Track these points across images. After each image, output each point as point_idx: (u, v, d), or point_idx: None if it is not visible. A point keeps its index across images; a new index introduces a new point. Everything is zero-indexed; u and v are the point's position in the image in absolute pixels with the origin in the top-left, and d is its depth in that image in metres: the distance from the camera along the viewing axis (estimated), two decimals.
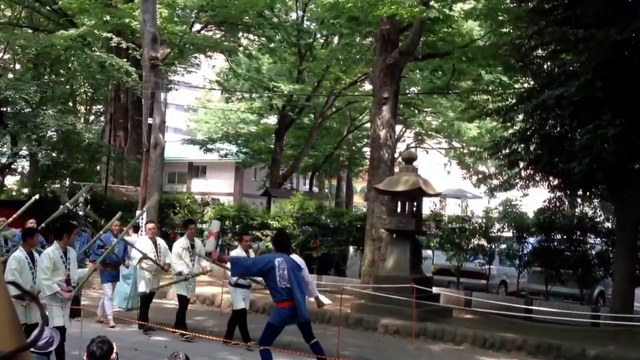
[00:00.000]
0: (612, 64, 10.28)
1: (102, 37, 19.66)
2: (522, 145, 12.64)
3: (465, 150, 31.14)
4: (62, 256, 7.37)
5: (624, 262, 11.84)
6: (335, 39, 24.78)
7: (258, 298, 12.23)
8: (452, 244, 15.17)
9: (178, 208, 18.97)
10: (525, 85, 15.07)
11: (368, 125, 26.35)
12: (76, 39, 18.82)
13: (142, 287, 10.83)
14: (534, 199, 14.90)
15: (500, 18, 15.54)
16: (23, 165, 24.12)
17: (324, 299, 8.35)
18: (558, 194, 13.61)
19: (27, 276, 7.34)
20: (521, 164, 12.97)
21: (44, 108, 18.60)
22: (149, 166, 16.36)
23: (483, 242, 15.27)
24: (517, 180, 13.18)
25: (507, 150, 12.94)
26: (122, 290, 12.12)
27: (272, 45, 24.39)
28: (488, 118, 14.14)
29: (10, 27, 22.25)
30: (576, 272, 13.81)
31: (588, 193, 13.32)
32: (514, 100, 13.08)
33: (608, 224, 14.28)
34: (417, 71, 21.67)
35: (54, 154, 19.45)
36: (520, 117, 12.98)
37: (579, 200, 15.07)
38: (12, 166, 21.95)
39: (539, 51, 12.65)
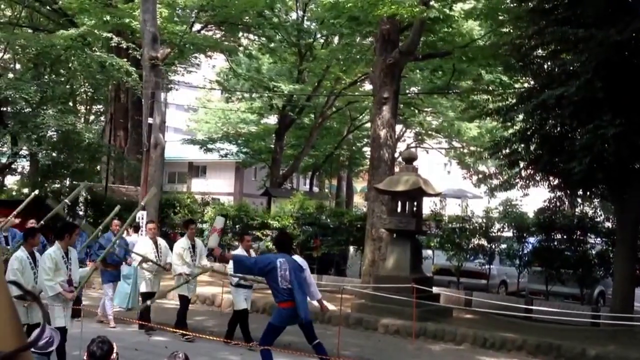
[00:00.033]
0: (612, 64, 10.28)
1: (102, 37, 19.66)
2: (522, 145, 12.64)
3: (466, 150, 31.15)
4: (64, 256, 7.36)
5: (624, 262, 11.84)
6: (336, 39, 24.78)
7: (258, 298, 12.22)
8: (453, 244, 15.18)
9: (178, 208, 18.99)
10: (526, 85, 15.07)
11: (368, 125, 26.35)
12: (76, 38, 18.82)
13: (143, 288, 10.83)
14: (534, 198, 14.90)
15: (500, 18, 15.54)
16: (23, 165, 24.12)
17: (330, 306, 8.32)
18: (558, 193, 13.61)
19: (29, 276, 7.34)
20: (521, 164, 12.97)
21: (44, 108, 18.61)
22: (149, 166, 16.36)
23: (483, 242, 15.27)
24: (517, 180, 13.18)
25: (507, 150, 12.94)
26: (123, 290, 12.11)
27: (272, 45, 24.39)
28: (488, 118, 14.15)
29: (11, 27, 22.25)
30: (576, 272, 13.82)
31: (588, 193, 13.32)
32: (514, 100, 13.08)
33: (608, 224, 14.28)
34: (417, 71, 21.67)
35: (54, 154, 19.46)
36: (521, 117, 12.98)
37: (579, 200, 15.08)
38: (12, 166, 21.95)
39: (539, 51, 12.65)
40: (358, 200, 42.24)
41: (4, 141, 19.11)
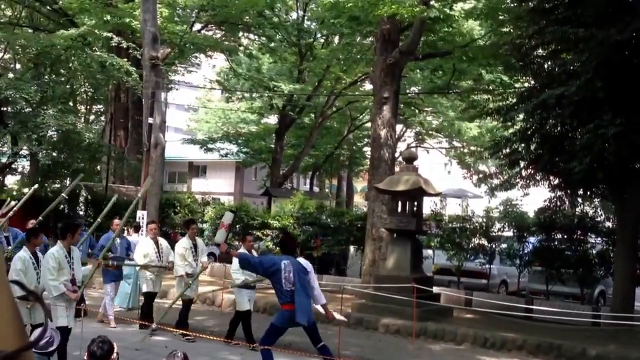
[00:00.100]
0: (612, 64, 10.28)
1: (103, 37, 19.66)
2: (523, 145, 12.64)
3: (466, 150, 31.15)
4: (67, 256, 7.35)
5: (625, 261, 11.84)
6: (336, 39, 24.78)
7: (259, 298, 12.22)
8: (453, 244, 15.18)
9: (178, 208, 18.99)
10: (526, 84, 15.06)
11: (368, 124, 26.34)
12: (76, 38, 18.82)
13: (145, 288, 10.83)
14: (534, 198, 14.90)
15: (500, 17, 15.54)
16: (23, 165, 24.12)
17: (337, 316, 8.25)
18: (559, 193, 13.62)
19: (32, 276, 7.32)
20: (522, 164, 12.97)
21: (45, 108, 18.61)
22: (150, 166, 16.36)
23: (484, 241, 15.27)
24: (517, 180, 13.18)
25: (508, 150, 12.94)
26: (123, 290, 12.12)
27: (272, 44, 24.40)
28: (488, 117, 14.15)
29: (11, 27, 22.26)
30: (577, 272, 13.82)
31: (588, 192, 13.32)
32: (514, 100, 13.08)
33: (609, 224, 14.28)
34: (418, 71, 21.67)
35: (54, 154, 19.46)
36: (521, 116, 12.98)
37: (579, 199, 15.08)
38: (13, 166, 21.95)
39: (540, 51, 12.65)
40: (358, 200, 42.24)
41: (4, 141, 19.11)
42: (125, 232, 13.14)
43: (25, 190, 22.06)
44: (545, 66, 13.04)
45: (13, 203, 10.69)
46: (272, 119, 32.20)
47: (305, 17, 25.46)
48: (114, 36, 19.41)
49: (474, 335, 10.94)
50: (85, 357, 4.38)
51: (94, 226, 9.23)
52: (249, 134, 31.29)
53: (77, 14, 21.00)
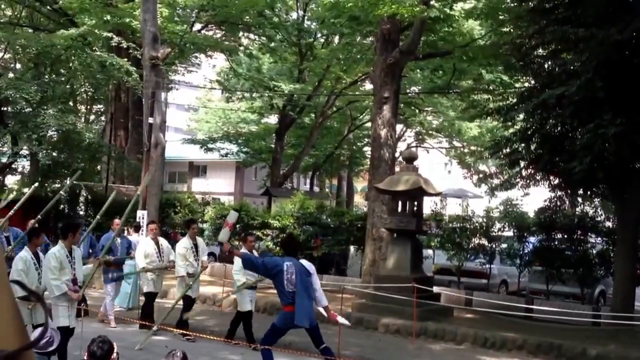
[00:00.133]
0: (612, 64, 10.28)
1: (103, 37, 19.66)
2: (523, 145, 12.64)
3: (466, 150, 31.15)
4: (68, 255, 7.34)
5: (625, 261, 11.84)
6: (336, 39, 24.78)
7: (259, 298, 12.21)
8: (453, 244, 15.18)
9: (179, 207, 18.99)
10: (526, 84, 15.06)
11: (369, 124, 26.33)
12: (77, 38, 18.82)
13: (146, 288, 10.83)
14: (534, 198, 14.90)
15: (500, 17, 15.54)
16: (23, 164, 24.11)
17: (340, 319, 8.21)
18: (559, 193, 13.62)
19: (33, 276, 7.31)
20: (522, 164, 12.98)
21: (45, 107, 18.60)
22: (150, 166, 16.35)
23: (484, 241, 15.28)
24: (517, 180, 13.19)
25: (508, 150, 12.94)
26: (123, 289, 12.12)
27: (272, 44, 24.39)
28: (489, 117, 14.14)
29: (11, 27, 22.26)
30: (577, 272, 13.82)
31: (589, 192, 13.32)
32: (514, 100, 13.08)
33: (609, 223, 14.28)
34: (418, 70, 21.67)
35: (54, 154, 19.45)
36: (521, 116, 12.99)
37: (579, 199, 15.10)
38: (13, 166, 21.95)
39: (540, 50, 12.65)
40: (358, 200, 42.24)
41: (4, 141, 19.11)
42: (126, 232, 13.13)
43: (26, 190, 22.10)
44: (546, 66, 13.04)
45: (11, 197, 10.67)
46: (273, 119, 32.20)
47: (306, 17, 25.46)
48: (114, 36, 19.41)
49: (474, 335, 10.94)
50: (85, 357, 4.38)
51: (94, 224, 9.22)
52: (249, 134, 31.29)
53: (77, 14, 20.99)
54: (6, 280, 1.16)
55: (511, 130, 13.59)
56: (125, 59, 19.39)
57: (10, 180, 28.01)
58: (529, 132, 12.50)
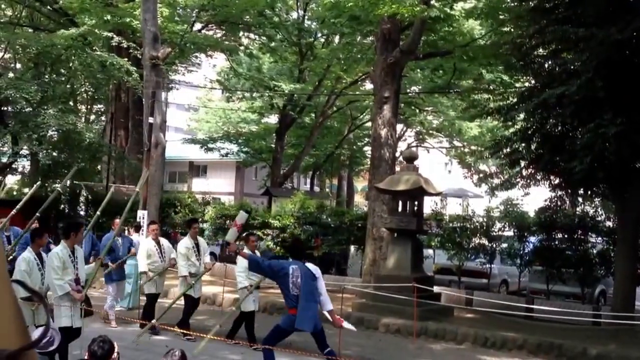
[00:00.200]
0: (613, 63, 10.28)
1: (103, 37, 19.65)
2: (523, 144, 12.64)
3: (466, 150, 31.12)
4: (70, 255, 7.33)
5: (625, 261, 11.84)
6: (336, 38, 24.77)
7: (259, 297, 12.22)
8: (453, 243, 15.18)
9: (179, 207, 18.99)
10: (526, 84, 15.07)
11: (369, 124, 26.31)
12: (77, 38, 18.82)
13: (147, 290, 10.81)
14: (535, 198, 14.90)
15: (501, 17, 15.54)
16: (24, 164, 24.12)
17: (345, 324, 8.19)
18: (559, 193, 13.62)
19: (36, 277, 7.30)
20: (522, 163, 12.98)
21: (45, 107, 18.60)
22: (150, 165, 16.35)
23: (484, 241, 15.28)
24: (518, 179, 13.19)
25: (508, 149, 12.95)
26: (125, 290, 12.12)
27: (272, 44, 24.40)
28: (489, 117, 14.15)
29: (11, 27, 22.25)
30: (577, 271, 13.82)
31: (589, 192, 13.33)
32: (514, 99, 13.08)
33: (609, 223, 14.28)
34: (418, 70, 21.67)
35: (54, 154, 19.45)
36: (521, 116, 12.99)
37: (580, 199, 15.09)
38: (13, 166, 21.96)
39: (540, 50, 12.65)
40: (359, 200, 42.24)
41: (4, 141, 19.11)
42: (126, 231, 13.13)
43: (26, 190, 22.11)
44: (546, 65, 13.04)
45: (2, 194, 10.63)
46: (273, 119, 32.19)
47: (306, 17, 25.46)
48: (114, 36, 19.40)
49: (474, 334, 10.94)
50: (86, 357, 4.38)
51: (93, 222, 9.21)
52: (250, 134, 31.28)
53: (77, 14, 20.98)
54: (7, 279, 1.16)
55: (511, 130, 13.59)
56: (126, 59, 19.38)
57: (11, 180, 28.03)
58: (530, 132, 12.50)
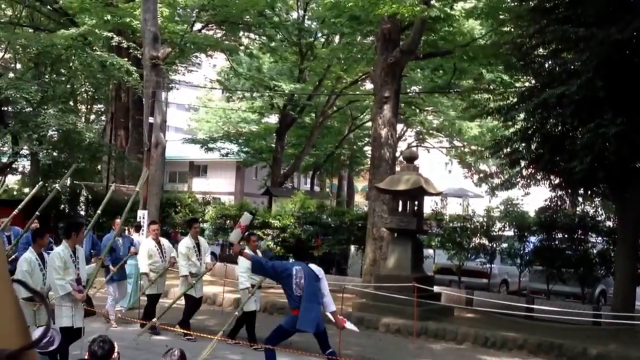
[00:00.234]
0: (613, 63, 10.28)
1: (103, 37, 19.66)
2: (524, 144, 12.65)
3: (467, 149, 31.12)
4: (72, 255, 7.33)
5: (626, 260, 11.84)
6: (336, 38, 24.77)
7: (260, 297, 12.22)
8: (454, 243, 15.18)
9: (179, 207, 18.99)
10: (527, 84, 15.07)
11: (369, 124, 26.31)
12: (77, 38, 18.83)
13: (148, 290, 10.81)
14: (535, 197, 14.90)
15: (501, 17, 15.54)
16: (24, 164, 24.13)
17: (348, 325, 8.19)
18: (559, 192, 13.62)
19: (38, 277, 7.29)
20: (522, 163, 12.98)
21: (45, 107, 18.62)
22: (150, 165, 16.35)
23: (484, 241, 15.28)
24: (518, 179, 13.19)
25: (508, 149, 12.95)
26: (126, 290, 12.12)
27: (273, 44, 24.40)
28: (489, 117, 14.15)
29: (11, 27, 22.26)
30: (577, 271, 13.81)
31: (589, 192, 13.33)
32: (515, 99, 13.08)
33: (609, 223, 14.28)
34: (418, 70, 21.66)
35: (55, 154, 19.47)
36: (522, 116, 12.98)
37: (580, 199, 15.09)
38: (13, 165, 21.96)
39: (540, 50, 12.65)
40: (359, 200, 42.23)
41: (4, 141, 19.13)
42: (126, 231, 13.12)
43: (26, 190, 22.12)
44: (546, 65, 13.04)
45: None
46: (273, 119, 32.19)
47: (306, 17, 25.47)
48: (114, 36, 19.41)
49: (474, 334, 10.94)
50: (86, 357, 4.38)
51: (94, 221, 9.21)
52: (250, 134, 31.29)
53: (77, 14, 20.99)
54: (8, 279, 1.16)
55: (512, 130, 13.59)
56: (126, 59, 19.40)
57: (11, 180, 28.04)
58: (530, 132, 12.50)
